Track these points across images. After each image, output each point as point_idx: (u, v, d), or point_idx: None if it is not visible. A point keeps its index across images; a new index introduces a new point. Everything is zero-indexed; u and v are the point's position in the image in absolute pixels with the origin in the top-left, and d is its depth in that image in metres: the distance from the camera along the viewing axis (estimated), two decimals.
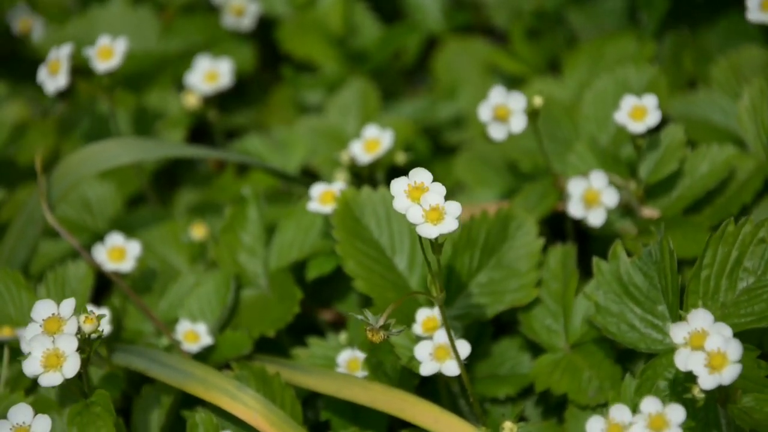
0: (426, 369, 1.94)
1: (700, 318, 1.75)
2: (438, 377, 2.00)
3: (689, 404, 1.85)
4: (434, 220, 1.72)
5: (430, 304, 2.01)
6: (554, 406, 2.10)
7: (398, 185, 1.74)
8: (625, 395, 1.90)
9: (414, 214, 1.73)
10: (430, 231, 1.72)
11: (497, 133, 2.16)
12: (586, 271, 2.05)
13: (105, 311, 2.10)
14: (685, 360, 1.73)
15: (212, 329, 2.15)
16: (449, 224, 1.72)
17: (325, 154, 2.51)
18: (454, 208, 1.73)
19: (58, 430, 1.97)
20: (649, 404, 1.76)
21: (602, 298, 1.98)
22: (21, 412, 1.81)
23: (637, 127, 2.12)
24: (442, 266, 2.03)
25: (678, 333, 1.75)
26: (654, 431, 1.75)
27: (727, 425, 1.85)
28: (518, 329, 2.11)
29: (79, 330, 1.84)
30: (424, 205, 1.73)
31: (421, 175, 1.75)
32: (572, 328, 2.08)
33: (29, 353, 1.82)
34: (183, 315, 2.17)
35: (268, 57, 2.86)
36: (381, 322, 1.78)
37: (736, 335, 1.79)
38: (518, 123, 2.15)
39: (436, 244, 1.78)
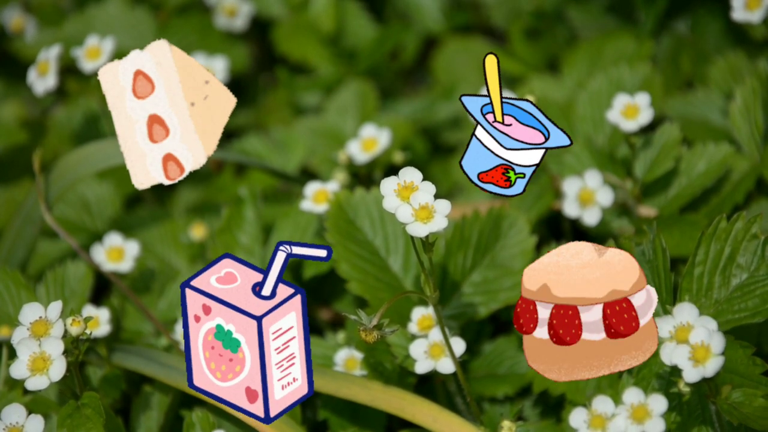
0: (421, 367, 1.94)
1: (685, 312, 1.75)
2: (434, 376, 2.00)
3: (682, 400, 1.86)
4: (424, 218, 1.72)
5: (425, 304, 2.01)
6: (552, 405, 2.10)
7: (388, 185, 1.74)
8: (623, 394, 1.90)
9: (403, 213, 1.72)
10: (419, 230, 1.71)
11: None
12: None
13: (104, 311, 2.10)
14: (670, 354, 1.73)
15: None
16: (439, 222, 1.71)
17: (324, 154, 2.51)
18: (443, 207, 1.72)
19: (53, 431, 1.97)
20: (632, 395, 1.77)
21: None
22: (14, 412, 1.80)
23: (630, 125, 2.12)
24: (436, 266, 2.03)
25: (664, 327, 1.75)
26: (636, 422, 1.76)
27: (719, 421, 1.85)
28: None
29: (66, 333, 1.82)
30: (413, 203, 1.72)
31: (410, 175, 1.74)
32: None
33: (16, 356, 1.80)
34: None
35: (265, 58, 2.87)
36: (374, 322, 1.78)
37: (730, 331, 1.79)
38: None
39: (428, 243, 1.78)
